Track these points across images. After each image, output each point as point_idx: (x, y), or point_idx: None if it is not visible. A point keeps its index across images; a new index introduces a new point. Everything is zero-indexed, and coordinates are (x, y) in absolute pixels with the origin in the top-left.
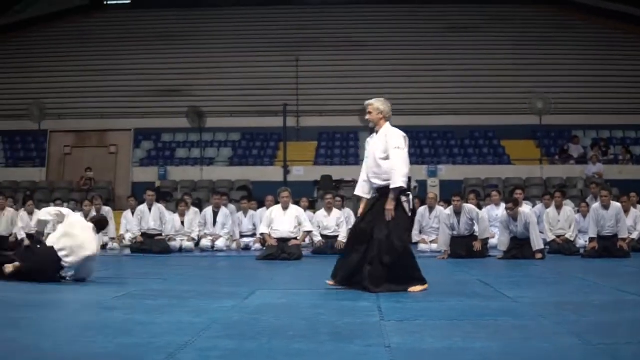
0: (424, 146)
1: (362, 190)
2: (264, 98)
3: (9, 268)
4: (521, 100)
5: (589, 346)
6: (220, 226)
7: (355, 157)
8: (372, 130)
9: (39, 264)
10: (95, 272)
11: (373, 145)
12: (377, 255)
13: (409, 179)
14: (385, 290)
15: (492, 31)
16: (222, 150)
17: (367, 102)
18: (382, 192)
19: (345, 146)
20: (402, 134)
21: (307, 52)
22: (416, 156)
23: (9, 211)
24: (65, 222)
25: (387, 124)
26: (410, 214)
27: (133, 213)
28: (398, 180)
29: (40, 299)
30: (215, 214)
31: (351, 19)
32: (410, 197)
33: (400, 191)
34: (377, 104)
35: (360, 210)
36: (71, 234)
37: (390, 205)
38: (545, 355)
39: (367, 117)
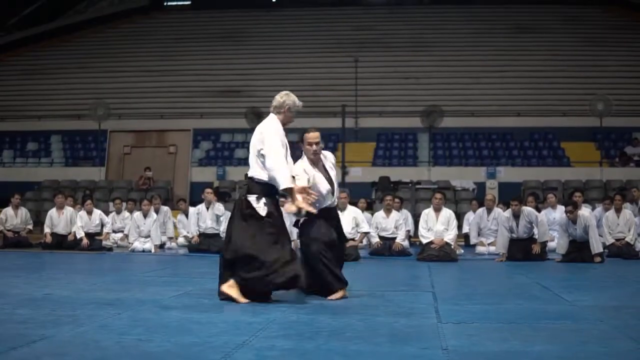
0: (483, 148)
1: None
2: (323, 99)
3: None
4: (581, 102)
5: None
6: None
7: (413, 159)
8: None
9: None
10: None
11: None
12: None
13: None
14: None
15: (552, 32)
16: None
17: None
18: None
19: (404, 147)
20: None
21: (367, 52)
22: (474, 158)
23: (68, 210)
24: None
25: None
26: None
27: (187, 215)
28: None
29: (100, 297)
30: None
31: (410, 20)
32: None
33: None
34: None
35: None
36: None
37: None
38: (603, 359)
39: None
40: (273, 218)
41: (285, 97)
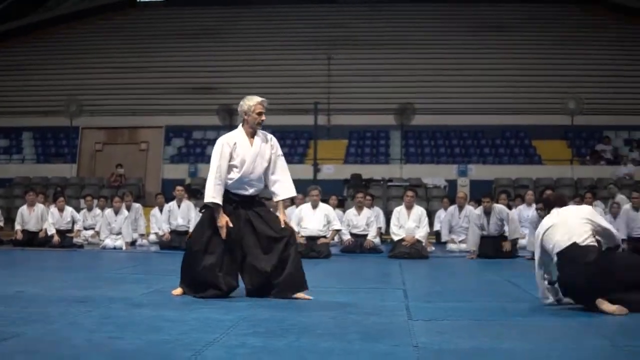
0: (455, 145)
1: None
2: (295, 96)
3: None
4: (553, 100)
5: (617, 348)
6: None
7: (385, 156)
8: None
9: None
10: None
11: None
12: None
13: None
14: None
15: (525, 30)
16: None
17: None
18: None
19: (376, 145)
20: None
21: (339, 50)
22: (446, 155)
23: (39, 207)
24: None
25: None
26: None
27: (161, 210)
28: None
29: (71, 294)
30: None
31: (384, 18)
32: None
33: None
34: None
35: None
36: None
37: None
38: (573, 356)
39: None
40: (204, 216)
41: (241, 104)
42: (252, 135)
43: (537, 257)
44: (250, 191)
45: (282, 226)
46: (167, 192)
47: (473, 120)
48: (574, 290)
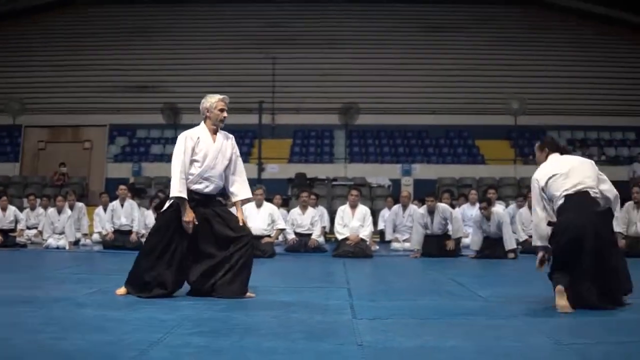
0: (399, 145)
1: None
2: (240, 95)
3: None
4: (496, 101)
5: (560, 345)
6: None
7: (329, 156)
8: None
9: None
10: None
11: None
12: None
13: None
14: None
15: (469, 31)
16: None
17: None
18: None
19: (320, 144)
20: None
21: (284, 49)
22: (390, 155)
23: None
24: None
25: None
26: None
27: (105, 209)
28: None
29: (12, 295)
30: None
31: (328, 17)
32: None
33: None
34: None
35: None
36: None
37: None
38: (516, 354)
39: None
40: (166, 215)
41: (202, 102)
42: (214, 132)
43: (538, 203)
44: (210, 188)
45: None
46: (111, 191)
47: (417, 120)
48: (570, 232)
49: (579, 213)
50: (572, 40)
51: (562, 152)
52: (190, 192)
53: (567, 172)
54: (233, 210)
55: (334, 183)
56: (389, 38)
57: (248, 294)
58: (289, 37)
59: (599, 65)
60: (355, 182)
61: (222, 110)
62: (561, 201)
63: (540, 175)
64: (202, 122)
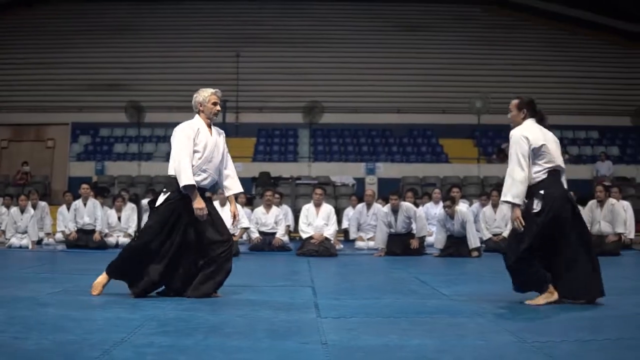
0: (363, 144)
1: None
2: None
3: None
4: (460, 100)
5: (524, 344)
6: None
7: (294, 154)
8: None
9: None
10: None
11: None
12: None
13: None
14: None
15: (432, 31)
16: (160, 145)
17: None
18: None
19: (284, 143)
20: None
21: (248, 48)
22: (354, 154)
23: None
24: None
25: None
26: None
27: (69, 208)
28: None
29: None
30: None
31: (293, 16)
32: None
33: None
34: None
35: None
36: None
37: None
38: (480, 352)
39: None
40: (162, 210)
41: (195, 96)
42: (208, 126)
43: (523, 160)
44: (207, 181)
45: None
46: (74, 190)
47: (381, 119)
48: (555, 210)
49: (562, 193)
50: (536, 40)
51: (540, 119)
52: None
53: (553, 147)
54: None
55: (298, 182)
56: (352, 37)
57: (214, 294)
58: (253, 35)
59: (563, 65)
60: (319, 181)
61: (215, 104)
62: (544, 176)
63: (531, 136)
64: (197, 116)
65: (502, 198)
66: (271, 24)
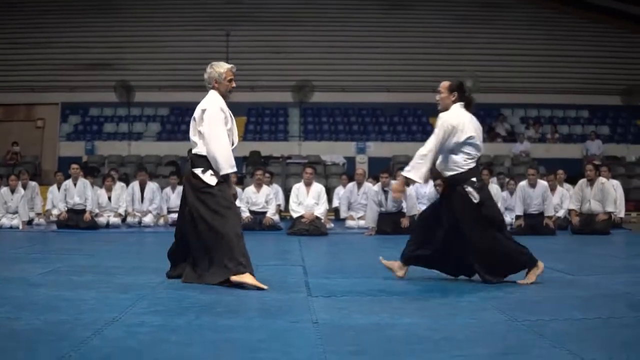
0: (353, 123)
1: None
2: (194, 72)
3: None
4: (450, 78)
5: (515, 322)
6: (148, 202)
7: (284, 134)
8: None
9: None
10: None
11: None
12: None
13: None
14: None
15: (423, 9)
16: (150, 125)
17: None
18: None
19: (275, 122)
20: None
21: (238, 26)
22: (345, 133)
23: None
24: None
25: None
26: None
27: (59, 188)
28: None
29: None
30: (143, 190)
31: None
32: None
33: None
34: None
35: None
36: None
37: None
38: (471, 331)
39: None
40: (223, 188)
41: (209, 71)
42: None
43: (437, 144)
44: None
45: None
46: (64, 170)
47: (371, 97)
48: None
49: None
50: (526, 19)
51: (468, 104)
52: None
53: (480, 137)
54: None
55: (289, 161)
56: (343, 15)
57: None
58: (243, 13)
59: (553, 44)
60: (309, 160)
61: (230, 81)
62: (473, 165)
63: (461, 127)
64: (213, 93)
65: (404, 172)
66: (261, 2)
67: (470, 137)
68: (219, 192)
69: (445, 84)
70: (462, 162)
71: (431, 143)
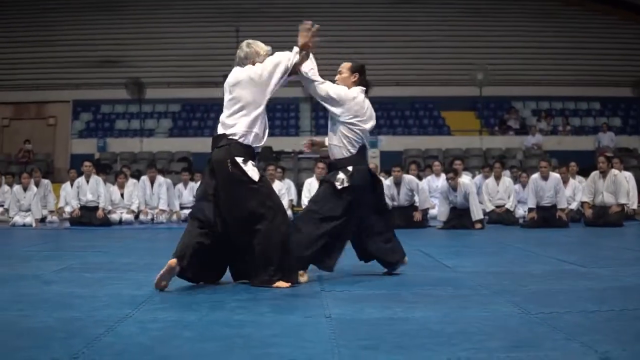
0: None
1: None
2: (204, 69)
3: None
4: (461, 72)
5: (528, 315)
6: (157, 197)
7: (295, 129)
8: None
9: None
10: None
11: None
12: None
13: None
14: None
15: (434, 2)
16: (162, 121)
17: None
18: None
19: (286, 117)
20: None
21: (248, 22)
22: None
23: None
24: None
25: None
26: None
27: (72, 185)
28: None
29: None
30: (152, 186)
31: None
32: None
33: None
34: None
35: None
36: None
37: None
38: (484, 324)
39: None
40: (266, 183)
41: (246, 50)
42: None
43: (329, 94)
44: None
45: None
46: (76, 167)
47: (383, 92)
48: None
49: (366, 169)
50: (537, 11)
51: (366, 90)
52: (252, 149)
53: (369, 127)
54: None
55: (300, 156)
56: (353, 10)
57: None
58: (253, 9)
59: (564, 36)
60: (321, 155)
61: None
62: (354, 151)
63: (359, 97)
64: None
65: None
66: None
67: (361, 122)
68: (264, 182)
69: (346, 64)
70: (345, 148)
71: (328, 92)
